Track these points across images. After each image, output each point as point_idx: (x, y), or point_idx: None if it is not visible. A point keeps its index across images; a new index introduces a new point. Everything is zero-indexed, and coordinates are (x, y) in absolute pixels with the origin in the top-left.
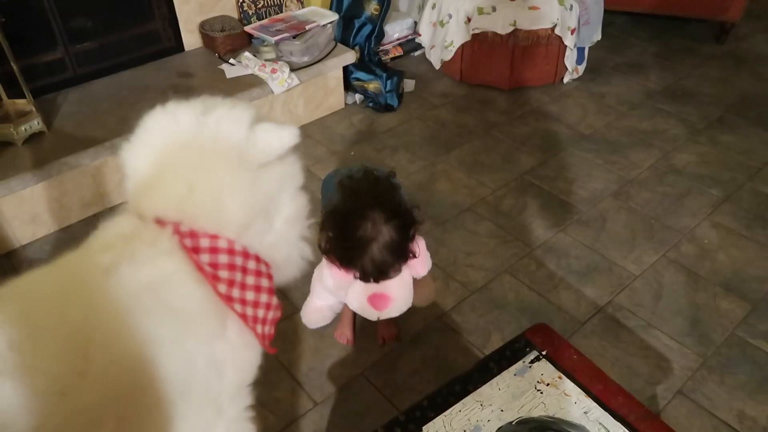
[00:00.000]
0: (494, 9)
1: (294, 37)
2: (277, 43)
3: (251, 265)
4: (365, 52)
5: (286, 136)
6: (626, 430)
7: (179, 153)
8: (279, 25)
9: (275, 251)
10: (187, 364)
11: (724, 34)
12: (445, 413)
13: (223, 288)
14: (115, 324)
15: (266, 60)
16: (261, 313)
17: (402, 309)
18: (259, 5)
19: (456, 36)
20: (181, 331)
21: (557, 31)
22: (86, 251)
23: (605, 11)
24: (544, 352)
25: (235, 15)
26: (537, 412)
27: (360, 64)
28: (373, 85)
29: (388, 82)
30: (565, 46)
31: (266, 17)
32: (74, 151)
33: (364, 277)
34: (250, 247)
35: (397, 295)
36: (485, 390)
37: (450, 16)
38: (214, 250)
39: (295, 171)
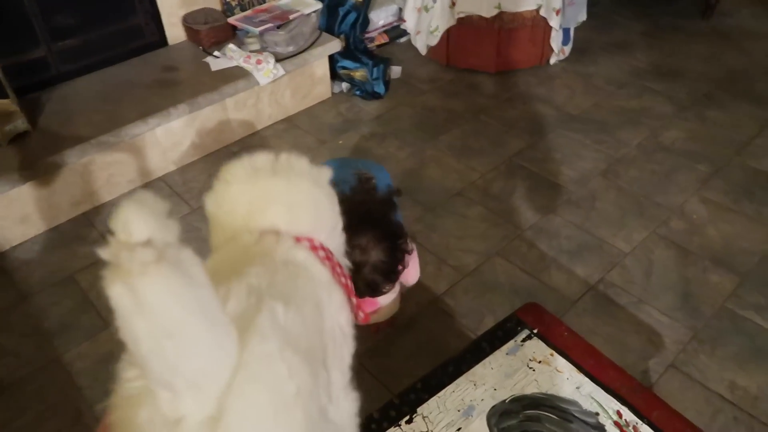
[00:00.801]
0: None
1: (278, 27)
2: (261, 34)
3: (335, 259)
4: (350, 40)
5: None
6: (618, 403)
7: (270, 182)
8: (263, 15)
9: (335, 250)
10: (332, 325)
11: (709, 10)
12: (439, 394)
13: (329, 268)
14: (297, 282)
15: (251, 51)
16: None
17: (389, 313)
18: None
19: (441, 21)
20: (328, 297)
21: (542, 13)
22: (228, 252)
23: None
24: (535, 331)
25: (218, 7)
26: (530, 390)
27: (346, 53)
28: (359, 73)
29: (375, 69)
30: (551, 28)
31: (249, 8)
32: (60, 150)
33: (359, 294)
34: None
35: (383, 300)
36: (478, 370)
37: (434, 1)
38: (314, 249)
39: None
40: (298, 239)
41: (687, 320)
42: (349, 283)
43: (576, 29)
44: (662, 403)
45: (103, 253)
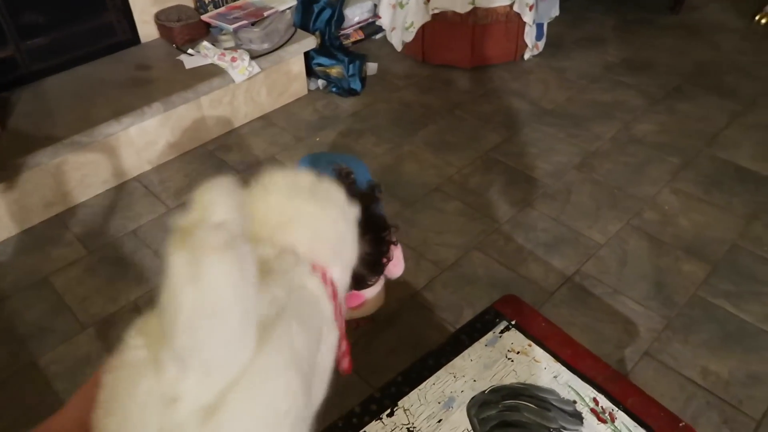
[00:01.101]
0: None
1: (252, 24)
2: (235, 31)
3: (339, 298)
4: (326, 37)
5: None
6: (594, 390)
7: (305, 202)
8: (237, 12)
9: (341, 278)
10: (322, 363)
11: (678, 4)
12: (419, 387)
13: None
14: (309, 308)
15: (225, 49)
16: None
17: (375, 307)
18: None
19: (416, 17)
20: (327, 334)
21: (516, 8)
22: None
23: None
24: (513, 322)
25: (191, 4)
26: (508, 380)
27: (321, 50)
28: (335, 70)
29: (351, 66)
30: (524, 23)
31: (223, 5)
32: (32, 151)
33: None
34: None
35: (369, 294)
36: (458, 362)
37: None
38: (324, 281)
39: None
40: (313, 267)
41: (661, 309)
42: (344, 326)
43: (549, 24)
44: (637, 389)
45: (180, 219)
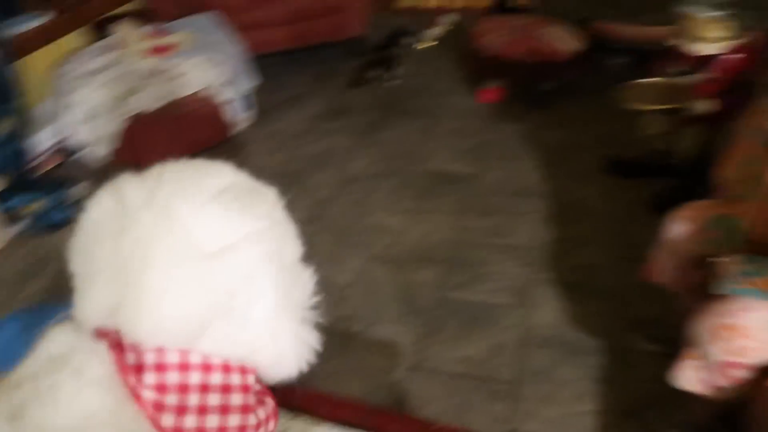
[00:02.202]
0: (136, 90)
1: None
2: None
3: (215, 379)
4: (17, 175)
5: (259, 205)
6: None
7: (113, 244)
8: None
9: (260, 349)
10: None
11: (356, 47)
12: None
13: (169, 420)
14: None
15: None
16: None
17: None
18: None
19: (109, 126)
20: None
21: (212, 91)
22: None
23: (256, 56)
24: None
25: None
26: None
27: (14, 189)
28: (36, 206)
29: (52, 196)
30: (228, 99)
31: None
32: None
33: None
34: (216, 352)
35: None
36: None
37: (95, 109)
38: (160, 368)
39: (275, 247)
40: (137, 349)
41: (414, 321)
42: (233, 420)
43: (255, 93)
44: (397, 416)
45: None
